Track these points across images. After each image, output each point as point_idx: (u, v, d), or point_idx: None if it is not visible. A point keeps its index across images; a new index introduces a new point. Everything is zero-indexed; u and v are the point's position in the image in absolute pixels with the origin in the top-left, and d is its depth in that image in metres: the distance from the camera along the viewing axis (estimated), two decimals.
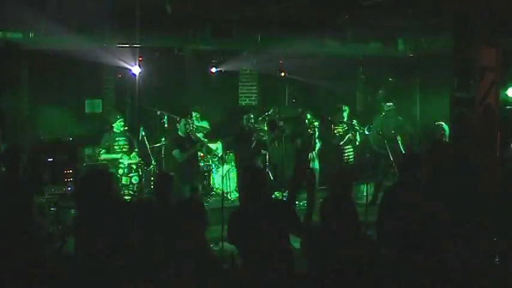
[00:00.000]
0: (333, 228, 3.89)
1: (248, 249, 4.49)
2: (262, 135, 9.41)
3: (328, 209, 4.01)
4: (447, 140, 7.58)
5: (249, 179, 4.79)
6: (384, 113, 9.77)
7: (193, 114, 10.19)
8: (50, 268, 4.20)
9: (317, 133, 8.43)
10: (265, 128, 9.66)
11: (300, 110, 9.07)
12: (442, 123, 8.00)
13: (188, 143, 8.44)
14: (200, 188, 8.74)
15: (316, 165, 8.45)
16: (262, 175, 5.08)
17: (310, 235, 4.32)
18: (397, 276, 4.17)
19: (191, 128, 8.63)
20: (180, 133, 8.52)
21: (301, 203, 9.19)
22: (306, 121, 8.46)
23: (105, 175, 5.17)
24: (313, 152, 8.42)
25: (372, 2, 7.70)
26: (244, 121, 9.33)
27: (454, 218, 4.69)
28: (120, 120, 9.00)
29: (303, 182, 8.52)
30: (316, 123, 8.46)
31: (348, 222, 3.91)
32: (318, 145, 8.45)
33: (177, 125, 8.66)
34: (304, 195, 8.77)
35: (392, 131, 9.47)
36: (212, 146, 10.37)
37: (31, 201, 5.56)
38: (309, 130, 8.39)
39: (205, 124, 10.61)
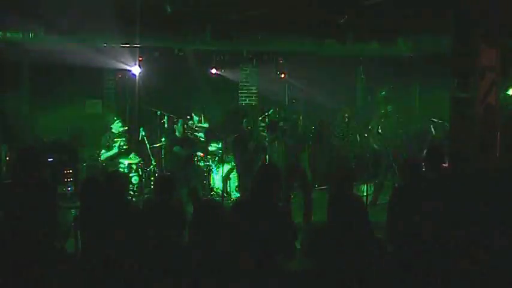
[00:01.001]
0: (342, 226, 3.86)
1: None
2: (264, 136, 9.41)
3: (336, 207, 3.98)
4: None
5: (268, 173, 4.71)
6: (383, 113, 9.79)
7: (194, 116, 10.18)
8: (49, 268, 4.20)
9: (313, 129, 8.42)
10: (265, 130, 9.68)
11: (294, 116, 9.07)
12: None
13: (185, 144, 8.45)
14: (200, 189, 8.74)
15: (306, 164, 8.45)
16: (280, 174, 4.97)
17: (312, 234, 4.31)
18: (405, 276, 4.16)
19: (189, 129, 8.66)
20: (177, 134, 8.53)
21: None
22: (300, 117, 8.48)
23: (118, 177, 5.23)
24: (305, 149, 8.43)
25: (372, 2, 7.69)
26: (244, 124, 9.34)
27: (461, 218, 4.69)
28: (117, 121, 9.02)
29: (294, 181, 8.51)
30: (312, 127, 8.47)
31: (358, 221, 3.87)
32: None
33: (175, 126, 8.66)
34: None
35: (392, 131, 9.49)
36: (212, 146, 10.38)
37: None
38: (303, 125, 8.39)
39: (206, 125, 10.61)
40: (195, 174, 8.87)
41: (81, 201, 5.23)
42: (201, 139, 9.31)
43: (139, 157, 9.31)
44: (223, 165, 9.82)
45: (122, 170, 8.87)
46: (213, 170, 10.41)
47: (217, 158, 10.26)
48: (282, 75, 11.09)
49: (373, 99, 12.65)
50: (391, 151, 8.88)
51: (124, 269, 4.20)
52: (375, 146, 9.75)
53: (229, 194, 10.03)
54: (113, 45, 8.99)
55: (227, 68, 11.48)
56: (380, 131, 9.24)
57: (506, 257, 4.48)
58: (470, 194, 4.91)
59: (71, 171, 9.43)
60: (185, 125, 8.65)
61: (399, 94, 11.94)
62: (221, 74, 11.53)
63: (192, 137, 8.72)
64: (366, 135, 9.56)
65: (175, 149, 8.33)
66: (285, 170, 8.39)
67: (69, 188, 9.29)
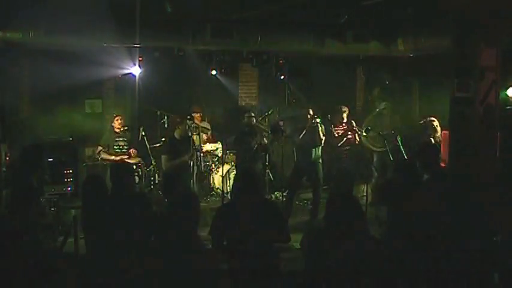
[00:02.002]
0: (338, 226, 3.88)
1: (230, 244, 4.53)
2: (265, 135, 9.44)
3: (334, 208, 3.99)
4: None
5: (244, 177, 4.81)
6: (377, 111, 9.80)
7: (193, 115, 10.18)
8: (49, 268, 4.21)
9: (321, 127, 8.44)
10: (267, 129, 9.69)
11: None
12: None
13: (183, 147, 8.43)
14: (195, 188, 8.74)
15: (319, 160, 8.49)
16: (257, 177, 5.11)
17: (313, 234, 4.32)
18: (403, 275, 4.17)
19: (192, 130, 8.67)
20: (176, 136, 8.51)
21: (306, 202, 9.23)
22: (308, 116, 8.51)
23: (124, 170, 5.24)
24: (317, 148, 8.47)
25: (372, 1, 7.69)
26: (245, 119, 9.35)
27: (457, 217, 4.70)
28: (118, 119, 9.02)
29: (302, 180, 8.55)
30: (318, 120, 8.48)
31: (354, 221, 3.88)
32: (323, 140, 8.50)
33: (177, 126, 8.65)
34: (307, 195, 8.80)
35: (392, 131, 9.47)
36: (212, 146, 10.39)
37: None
38: (311, 124, 8.41)
39: (206, 125, 10.61)
40: (190, 178, 8.89)
41: (83, 198, 5.21)
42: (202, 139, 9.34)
43: (139, 157, 9.31)
44: (223, 165, 9.83)
45: None
46: (213, 170, 10.42)
47: (217, 158, 10.26)
48: (282, 77, 11.09)
49: (372, 99, 12.65)
50: (391, 150, 8.88)
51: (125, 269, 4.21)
52: (369, 146, 9.75)
53: (229, 193, 10.03)
54: (113, 45, 8.97)
55: (227, 68, 11.44)
56: (380, 132, 9.22)
57: (505, 256, 4.49)
58: (468, 193, 4.92)
59: (71, 171, 9.42)
60: (188, 127, 8.67)
61: (398, 94, 11.93)
62: (220, 76, 11.46)
63: (191, 140, 8.72)
64: (364, 134, 9.53)
65: (163, 158, 8.36)
66: (293, 169, 8.49)
67: (69, 188, 9.28)
